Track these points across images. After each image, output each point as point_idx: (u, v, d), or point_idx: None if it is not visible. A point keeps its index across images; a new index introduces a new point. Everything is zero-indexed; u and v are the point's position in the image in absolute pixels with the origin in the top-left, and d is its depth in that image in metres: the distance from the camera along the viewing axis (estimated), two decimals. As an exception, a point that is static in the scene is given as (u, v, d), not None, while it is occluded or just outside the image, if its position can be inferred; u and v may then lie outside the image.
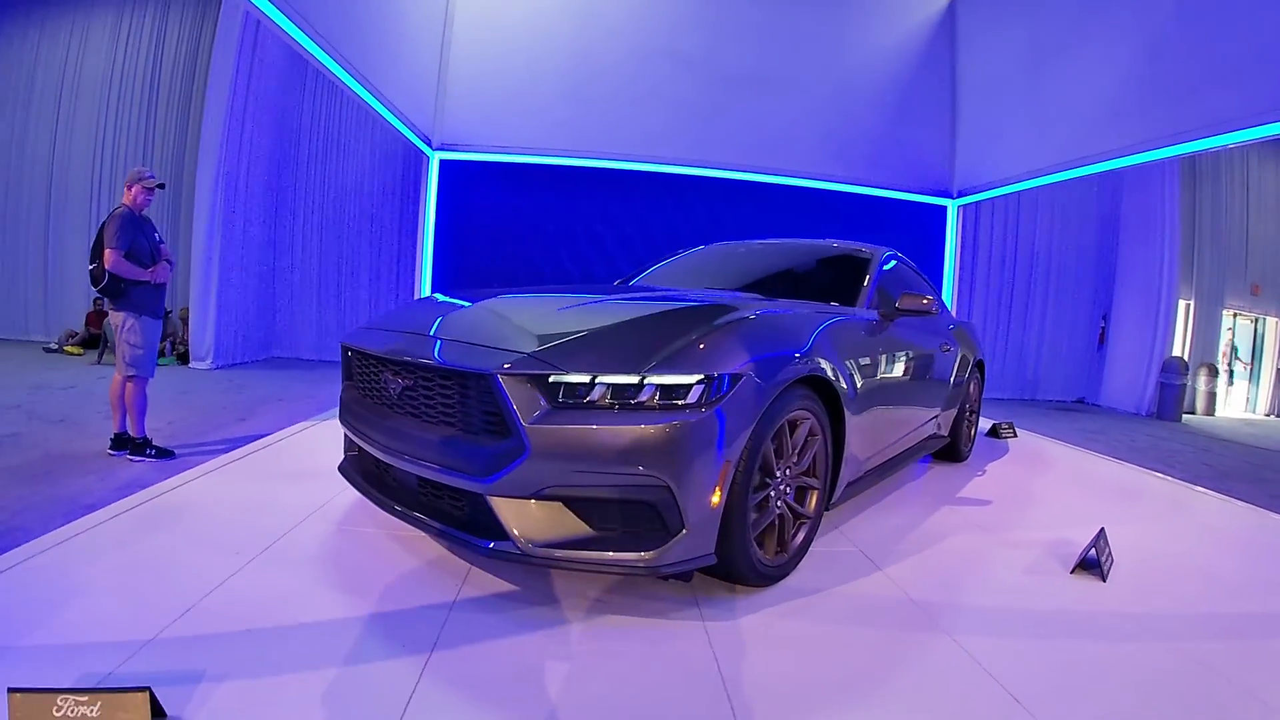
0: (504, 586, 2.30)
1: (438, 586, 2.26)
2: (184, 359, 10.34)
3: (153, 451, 4.53)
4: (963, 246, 10.17)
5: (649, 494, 1.97)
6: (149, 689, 1.45)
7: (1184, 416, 9.51)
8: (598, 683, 1.78)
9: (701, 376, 2.03)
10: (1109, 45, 5.63)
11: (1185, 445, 7.34)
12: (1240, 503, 4.10)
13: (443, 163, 7.90)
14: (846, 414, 2.65)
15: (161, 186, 4.74)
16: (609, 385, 1.99)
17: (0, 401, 6.20)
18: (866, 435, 2.97)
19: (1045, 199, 10.58)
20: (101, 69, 12.35)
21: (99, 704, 1.41)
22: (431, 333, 2.43)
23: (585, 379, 1.99)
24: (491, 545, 2.06)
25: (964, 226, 9.88)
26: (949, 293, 8.10)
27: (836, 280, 3.54)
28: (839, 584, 2.50)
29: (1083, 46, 5.95)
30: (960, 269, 8.77)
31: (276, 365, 9.98)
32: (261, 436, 4.32)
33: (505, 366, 2.03)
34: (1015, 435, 5.89)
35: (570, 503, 2.01)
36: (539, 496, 1.99)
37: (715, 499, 2.03)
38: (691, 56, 7.67)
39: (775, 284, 3.70)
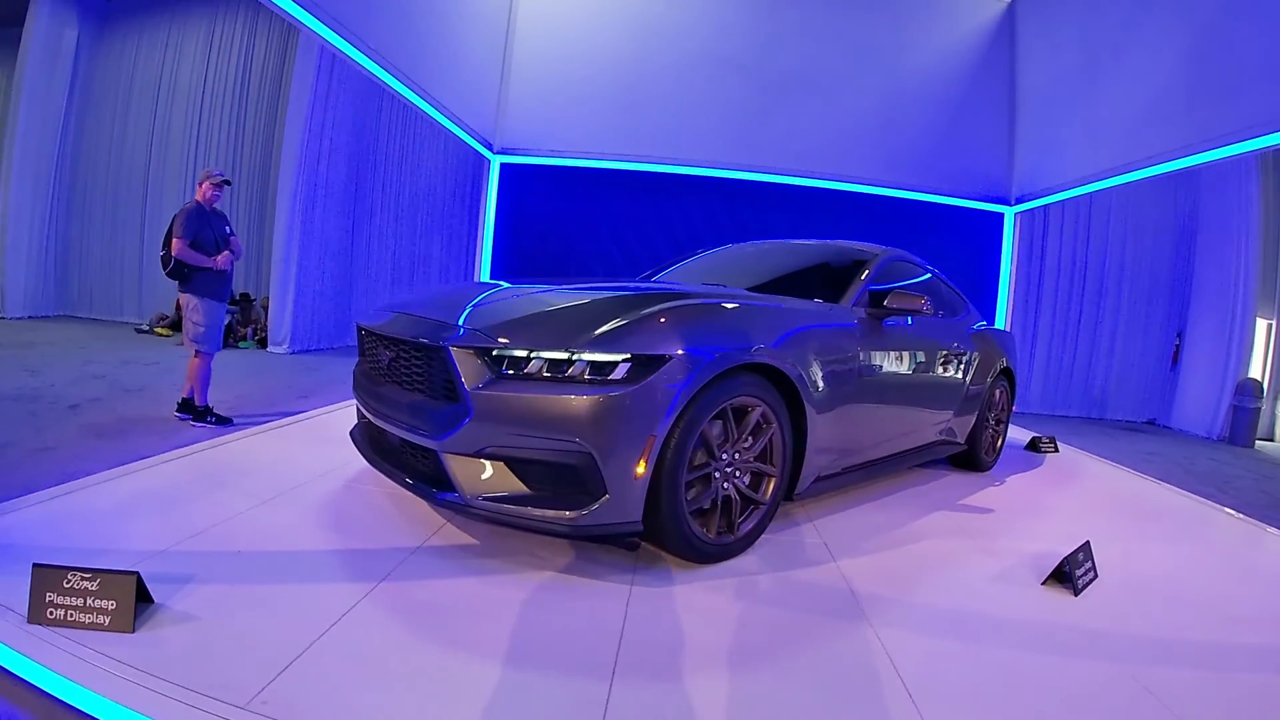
0: (467, 540, 2.61)
1: (409, 534, 2.61)
2: (263, 344, 11.07)
3: (213, 419, 5.02)
4: (1022, 255, 9.88)
5: (574, 459, 2.19)
6: (137, 574, 1.82)
7: (1258, 443, 8.99)
8: (508, 621, 2.01)
9: (628, 356, 2.23)
10: (1163, 40, 5.42)
11: (1248, 472, 6.97)
12: (1276, 532, 3.86)
13: (503, 166, 8.16)
14: (808, 407, 2.76)
15: (228, 183, 5.17)
16: (545, 359, 2.24)
17: (89, 372, 7.01)
18: (842, 431, 3.06)
19: (1116, 206, 10.15)
20: (194, 73, 13.22)
21: (97, 581, 1.78)
22: (415, 312, 2.75)
23: (523, 353, 2.26)
24: (442, 496, 2.35)
25: (1023, 235, 9.59)
26: (1004, 302, 7.88)
27: (829, 279, 3.60)
28: (786, 570, 2.62)
29: (1138, 43, 5.74)
30: (1017, 278, 8.51)
31: (348, 351, 10.48)
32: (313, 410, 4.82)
33: (456, 339, 2.33)
34: (1056, 450, 5.74)
35: (510, 462, 2.24)
36: (481, 455, 2.24)
37: (639, 470, 2.22)
38: (742, 61, 7.71)
39: (776, 281, 3.81)
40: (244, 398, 6.15)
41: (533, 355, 2.25)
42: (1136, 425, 10.07)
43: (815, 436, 2.86)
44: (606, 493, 2.20)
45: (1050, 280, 10.30)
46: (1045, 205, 7.34)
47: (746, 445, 2.61)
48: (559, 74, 7.87)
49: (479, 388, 2.24)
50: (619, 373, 2.22)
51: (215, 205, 5.19)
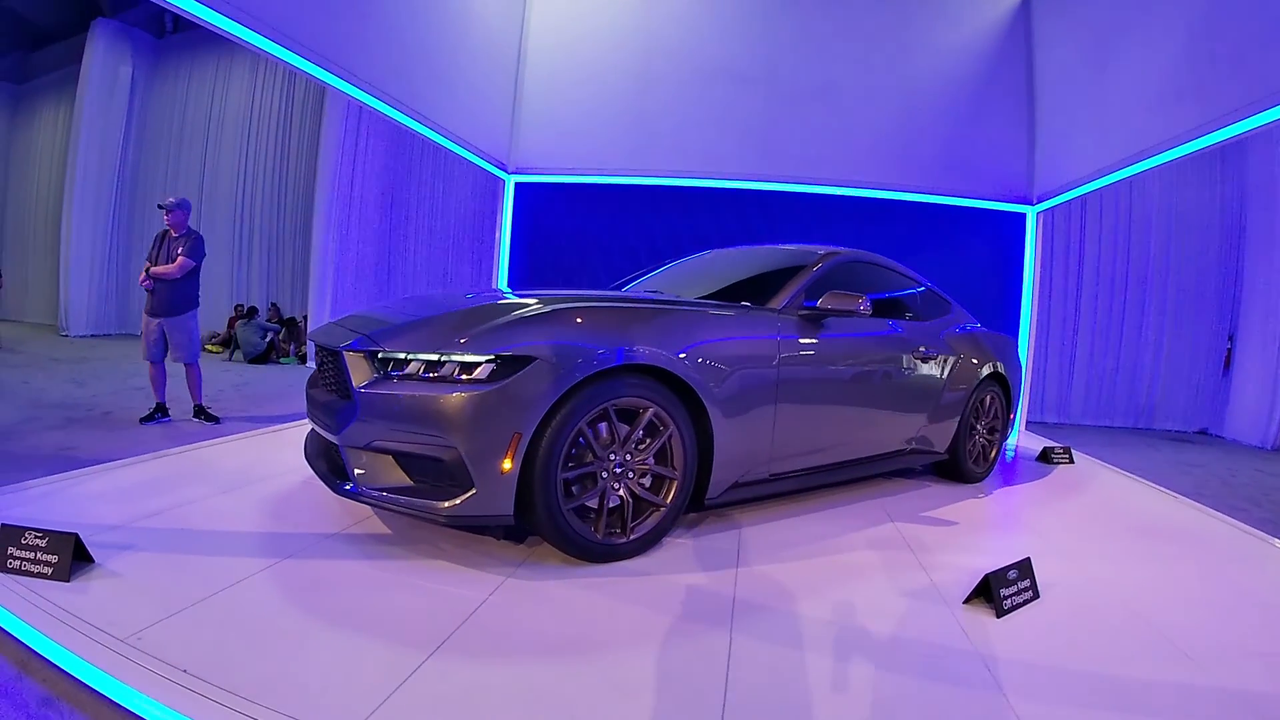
0: (381, 530, 2.84)
1: (332, 523, 2.88)
2: (303, 359, 11.55)
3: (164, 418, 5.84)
4: (1051, 256, 9.47)
5: (443, 453, 2.34)
6: (76, 535, 2.22)
7: (1316, 453, 8.37)
8: (372, 598, 2.22)
9: (492, 357, 2.38)
10: (1172, 17, 5.10)
11: (1296, 485, 6.49)
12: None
13: (517, 185, 8.27)
14: (712, 411, 2.77)
15: (161, 207, 5.87)
16: (421, 361, 2.44)
17: (131, 384, 7.78)
18: (762, 436, 3.03)
19: (1155, 199, 9.64)
20: (241, 106, 13.92)
21: (45, 539, 2.20)
22: (337, 321, 3.02)
23: (402, 355, 2.46)
24: (342, 486, 2.56)
25: (1049, 234, 9.18)
26: (1027, 306, 7.54)
27: (768, 282, 3.54)
28: (679, 573, 2.61)
29: (1155, 14, 5.43)
30: (1042, 280, 8.13)
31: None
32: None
33: (347, 344, 2.56)
34: (1070, 461, 5.45)
35: (396, 456, 2.43)
36: (369, 449, 2.45)
37: (506, 465, 2.34)
38: (751, 73, 7.61)
39: (728, 286, 3.79)
40: (266, 407, 6.91)
41: (410, 357, 2.45)
42: (1187, 435, 9.49)
43: (725, 441, 2.86)
44: (474, 486, 2.33)
45: (1090, 280, 9.85)
46: (1069, 201, 6.95)
47: (640, 447, 2.67)
48: (569, 95, 7.93)
49: (364, 387, 2.46)
50: (483, 373, 2.37)
51: (171, 230, 5.77)
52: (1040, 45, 7.38)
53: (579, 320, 2.62)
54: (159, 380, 5.88)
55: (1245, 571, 3.16)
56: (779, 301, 3.34)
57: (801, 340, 3.24)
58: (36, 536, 2.20)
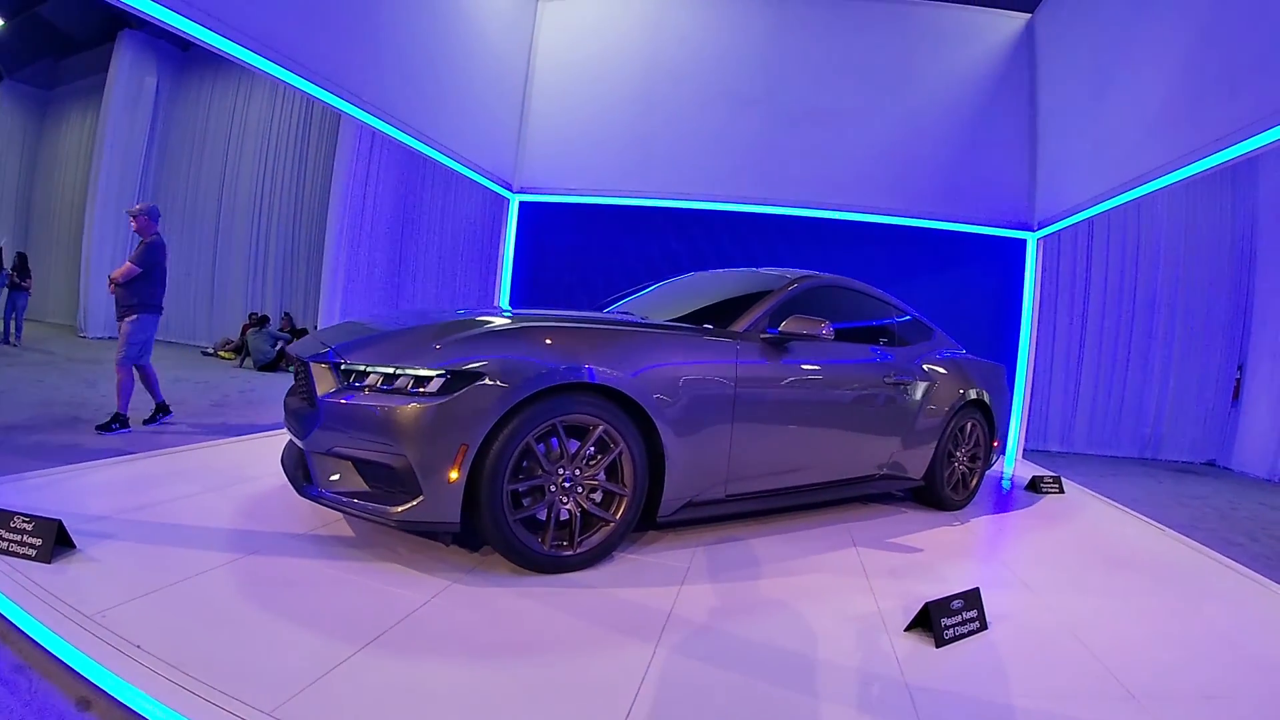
0: (346, 533, 2.97)
1: (302, 523, 3.04)
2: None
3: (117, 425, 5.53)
4: (1053, 282, 9.39)
5: (395, 461, 2.47)
6: (59, 521, 2.44)
7: (1328, 487, 8.19)
8: (319, 596, 2.35)
9: (443, 371, 2.49)
10: (1182, 29, 5.06)
11: (1297, 520, 6.35)
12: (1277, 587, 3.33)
13: (521, 204, 8.38)
14: (663, 430, 2.84)
15: (129, 213, 5.83)
16: (380, 374, 2.56)
17: (140, 386, 7.69)
18: (718, 457, 3.08)
19: (1163, 225, 9.54)
20: (262, 117, 14.23)
21: (32, 524, 2.41)
22: (318, 334, 3.19)
23: (362, 368, 2.59)
24: (306, 489, 2.68)
25: (1052, 260, 9.11)
26: (1026, 334, 7.47)
27: (738, 306, 3.57)
28: (622, 587, 2.66)
29: (1156, 38, 5.40)
30: (1047, 306, 8.04)
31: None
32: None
33: (314, 355, 2.72)
34: (1060, 490, 5.40)
35: (355, 462, 2.57)
36: (331, 454, 2.59)
37: (453, 475, 2.45)
38: (753, 96, 7.65)
39: (701, 309, 3.82)
40: (264, 413, 7.02)
41: (369, 370, 2.57)
42: (1193, 467, 9.33)
43: (677, 461, 2.93)
44: (422, 494, 2.44)
45: (1096, 307, 9.74)
46: (1074, 226, 6.91)
47: (590, 463, 2.74)
48: (573, 116, 8.04)
49: (327, 397, 2.60)
50: (434, 386, 2.49)
51: (138, 234, 5.80)
52: (1043, 70, 7.37)
53: (530, 339, 2.70)
54: (124, 387, 5.69)
55: (1222, 609, 3.08)
56: (742, 324, 3.38)
57: (762, 364, 3.27)
58: (24, 521, 2.42)
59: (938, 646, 2.37)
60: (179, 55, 14.91)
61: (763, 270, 4.17)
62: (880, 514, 4.18)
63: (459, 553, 2.84)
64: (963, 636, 2.44)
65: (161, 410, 5.94)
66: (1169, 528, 4.53)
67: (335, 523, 3.06)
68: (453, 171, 7.07)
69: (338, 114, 5.27)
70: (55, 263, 16.07)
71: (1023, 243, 7.54)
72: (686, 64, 7.85)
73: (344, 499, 2.58)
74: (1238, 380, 9.46)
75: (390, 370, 2.55)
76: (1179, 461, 9.58)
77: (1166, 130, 5.16)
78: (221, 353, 12.87)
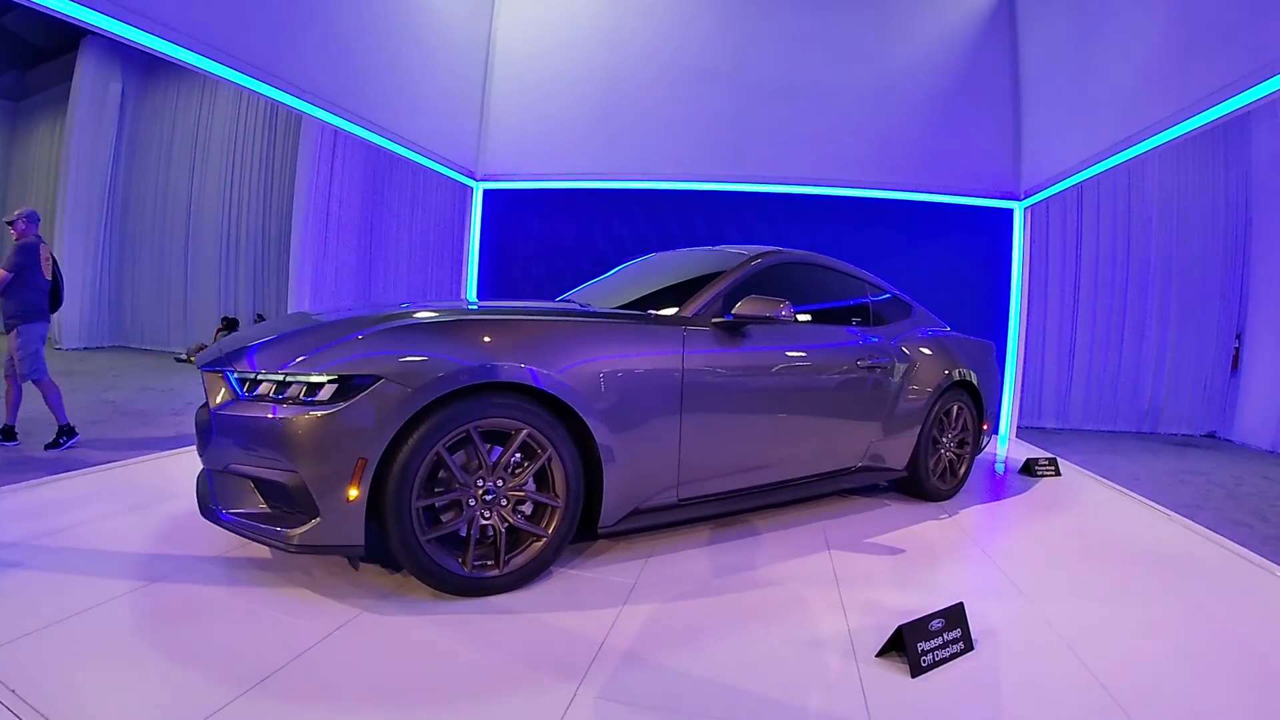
0: (261, 554, 2.71)
1: (215, 545, 2.76)
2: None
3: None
4: (1042, 253, 9.05)
5: (288, 479, 2.19)
6: None
7: (1330, 457, 7.87)
8: (216, 628, 2.13)
9: (334, 377, 2.20)
10: None
11: (1304, 494, 6.03)
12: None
13: (485, 192, 8.04)
14: (596, 430, 2.51)
15: (7, 222, 5.43)
16: (272, 381, 2.27)
17: (104, 398, 7.88)
18: (666, 458, 2.77)
19: (1155, 193, 9.20)
20: (228, 121, 13.94)
21: None
22: (234, 337, 2.85)
23: (251, 375, 2.30)
24: (208, 510, 2.40)
25: (1042, 230, 8.76)
26: (1016, 306, 7.13)
27: (689, 289, 3.22)
28: (554, 611, 2.36)
29: (1130, 3, 5.08)
30: (1038, 279, 7.68)
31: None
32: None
33: (207, 363, 2.48)
34: (1056, 473, 5.06)
35: (255, 481, 2.28)
36: (228, 472, 2.32)
37: (352, 493, 2.17)
38: (720, 72, 7.29)
39: (650, 293, 3.53)
40: None
41: (259, 378, 2.29)
42: (1193, 439, 9.02)
43: (617, 465, 2.60)
44: (319, 514, 2.17)
45: (1089, 278, 9.40)
46: (1064, 195, 6.58)
47: (515, 472, 2.45)
48: (538, 99, 7.72)
49: (220, 408, 2.34)
50: (324, 394, 2.21)
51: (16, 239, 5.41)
52: (1024, 34, 7.01)
53: (437, 336, 2.38)
54: (11, 399, 5.40)
55: (1238, 610, 2.73)
56: (690, 309, 3.04)
57: (714, 352, 2.94)
58: None
59: (913, 676, 2.03)
60: (144, 59, 14.51)
61: (726, 249, 3.80)
62: (860, 507, 3.86)
63: (378, 574, 2.55)
64: (944, 661, 2.10)
65: (65, 434, 5.39)
66: (1173, 511, 4.20)
67: (249, 545, 2.78)
68: (419, 164, 6.81)
69: (299, 113, 5.07)
70: (27, 274, 15.64)
71: (1009, 212, 7.20)
72: (651, 40, 7.51)
73: (243, 521, 2.30)
74: (1236, 349, 9.13)
75: (280, 377, 2.26)
76: (1178, 434, 9.27)
77: (1157, 86, 4.82)
78: (194, 358, 12.53)
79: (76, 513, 3.09)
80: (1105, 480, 5.01)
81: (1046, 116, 6.62)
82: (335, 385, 2.20)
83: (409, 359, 2.25)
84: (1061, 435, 8.86)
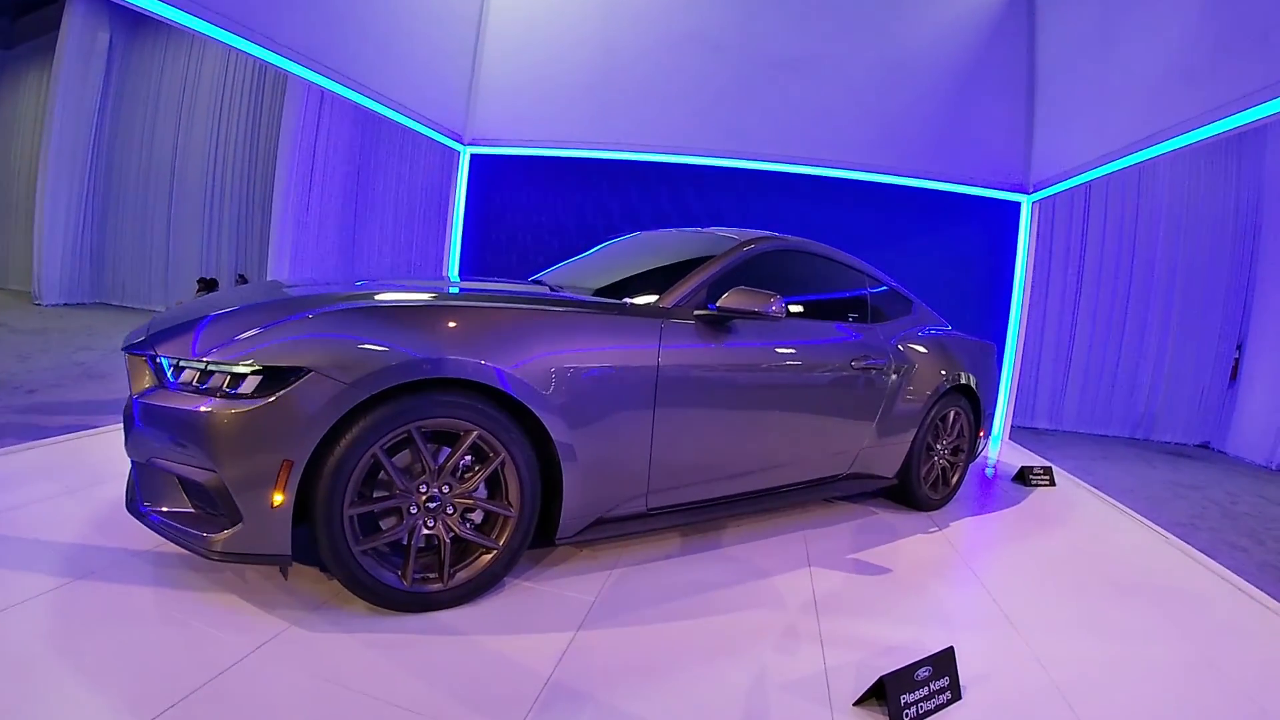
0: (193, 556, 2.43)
1: (150, 539, 2.48)
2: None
3: None
4: (1046, 249, 8.79)
5: (205, 478, 1.97)
6: None
7: (1327, 476, 7.68)
8: (133, 638, 1.92)
9: (257, 367, 1.96)
10: None
11: (1302, 517, 5.83)
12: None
13: (473, 158, 7.72)
14: (556, 434, 2.26)
15: None
16: (195, 369, 2.03)
17: (74, 359, 7.49)
18: (635, 465, 2.53)
19: (1164, 197, 8.92)
20: (216, 74, 13.60)
21: None
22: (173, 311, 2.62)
23: (174, 361, 2.07)
24: (133, 505, 2.21)
25: (1047, 227, 8.48)
26: (1018, 303, 6.89)
27: (673, 274, 2.95)
28: (501, 634, 2.13)
29: None
30: (1040, 276, 7.43)
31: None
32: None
33: (129, 344, 2.25)
34: (1051, 484, 4.85)
35: (179, 478, 2.06)
36: (150, 465, 2.09)
37: (277, 498, 1.95)
38: (724, 43, 6.96)
39: (629, 277, 3.29)
40: None
41: (181, 364, 2.06)
42: (1187, 449, 8.83)
43: (579, 471, 2.36)
44: (241, 519, 1.96)
45: (1091, 278, 9.14)
46: (1071, 192, 6.32)
47: (464, 477, 2.22)
48: (531, 62, 7.37)
49: (141, 395, 2.12)
50: (247, 386, 1.96)
51: None
52: (1043, 21, 6.69)
53: (377, 323, 2.11)
54: None
55: (1242, 657, 2.51)
56: (671, 299, 2.77)
57: (694, 347, 2.68)
58: None
59: (892, 731, 1.79)
60: (133, 10, 14.05)
61: (717, 231, 3.52)
62: (845, 516, 3.64)
63: (317, 579, 2.32)
64: (928, 715, 1.87)
65: None
66: (1169, 530, 4.00)
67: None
68: (407, 128, 6.50)
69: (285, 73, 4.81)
70: (12, 227, 15.31)
71: (1016, 205, 6.93)
72: (651, 5, 7.16)
73: (163, 522, 2.09)
74: (1236, 360, 8.91)
75: (201, 365, 2.02)
76: (1171, 443, 9.08)
77: (1183, 85, 4.56)
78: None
79: (12, 494, 2.85)
80: (1100, 493, 4.80)
81: (1062, 108, 6.34)
82: (260, 376, 1.95)
83: (343, 349, 2.00)
84: (1054, 437, 8.66)
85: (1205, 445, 9.05)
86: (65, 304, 13.50)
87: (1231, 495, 6.29)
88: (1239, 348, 8.89)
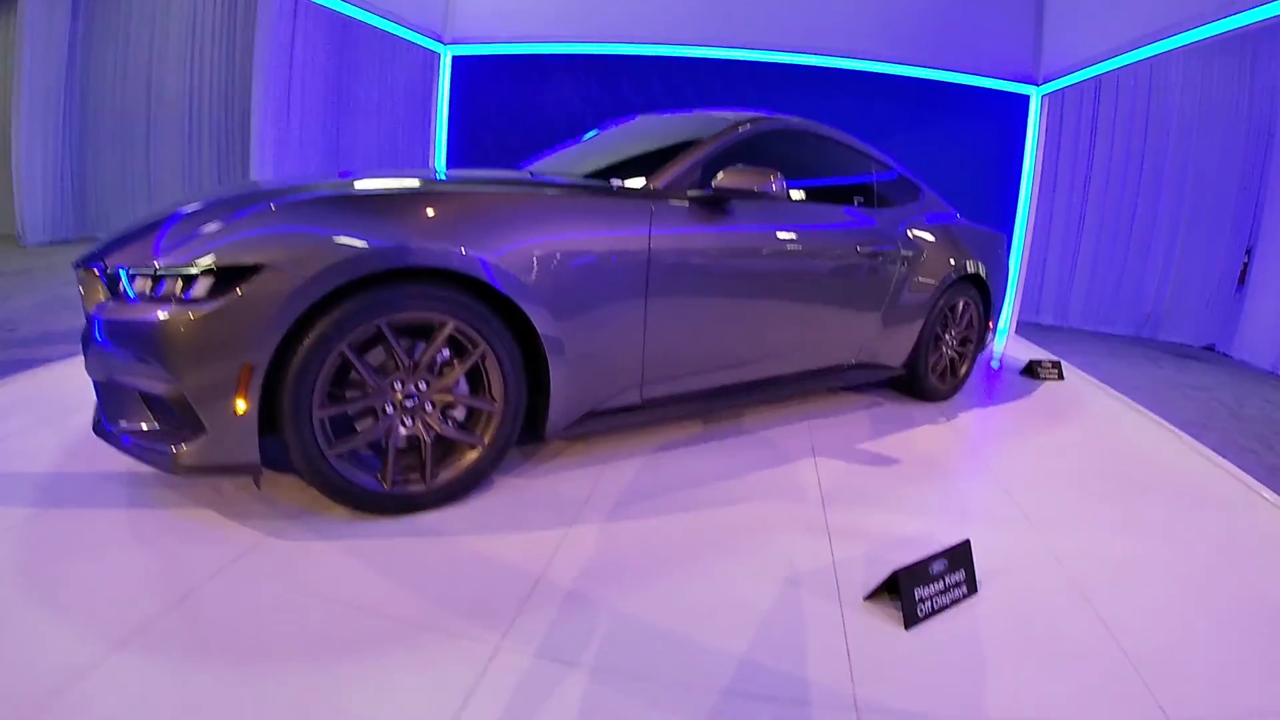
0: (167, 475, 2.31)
1: (122, 460, 2.30)
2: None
3: None
4: (1055, 144, 8.44)
5: (167, 390, 1.87)
6: None
7: (1331, 382, 7.55)
8: (103, 563, 1.81)
9: (209, 266, 1.81)
10: None
11: (1309, 422, 5.72)
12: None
13: (456, 59, 7.33)
14: (540, 323, 2.16)
15: None
16: (148, 276, 1.88)
17: (59, 295, 7.04)
18: (628, 354, 2.40)
19: (1176, 93, 8.53)
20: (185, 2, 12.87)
21: None
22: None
23: (125, 270, 1.92)
24: (99, 427, 2.09)
25: (1055, 121, 8.11)
26: (1026, 199, 6.64)
27: (665, 156, 2.72)
28: (488, 533, 2.02)
29: None
30: (1046, 171, 7.14)
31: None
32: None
33: (80, 259, 2.08)
34: (1060, 378, 4.73)
35: (141, 395, 1.96)
36: (110, 384, 1.99)
37: (240, 405, 1.85)
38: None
39: (620, 161, 3.06)
40: None
41: (134, 272, 1.90)
42: (1192, 351, 8.70)
43: (567, 362, 2.22)
44: (205, 430, 1.86)
45: (1100, 174, 8.84)
46: (1080, 85, 6.01)
47: (443, 372, 2.12)
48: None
49: (95, 310, 1.99)
50: (200, 289, 1.82)
51: None
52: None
53: (338, 211, 1.94)
54: None
55: (1263, 561, 2.35)
56: (661, 179, 2.56)
57: (688, 230, 2.50)
58: None
59: (907, 627, 1.70)
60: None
61: (711, 112, 3.26)
62: (851, 405, 3.53)
63: (298, 488, 2.19)
64: (943, 609, 1.76)
65: None
66: (1182, 430, 3.85)
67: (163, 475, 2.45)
68: (386, 33, 6.08)
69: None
70: (-8, 167, 14.82)
71: (1025, 98, 6.62)
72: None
73: (128, 440, 1.99)
74: (1245, 264, 8.67)
75: (151, 270, 1.86)
76: (1177, 344, 8.94)
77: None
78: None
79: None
80: (1109, 389, 4.68)
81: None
82: (213, 278, 1.81)
83: (301, 243, 1.85)
84: (1059, 334, 8.53)
85: (1210, 348, 8.91)
86: (50, 242, 13.19)
87: (1239, 398, 6.17)
88: (1248, 251, 8.65)
